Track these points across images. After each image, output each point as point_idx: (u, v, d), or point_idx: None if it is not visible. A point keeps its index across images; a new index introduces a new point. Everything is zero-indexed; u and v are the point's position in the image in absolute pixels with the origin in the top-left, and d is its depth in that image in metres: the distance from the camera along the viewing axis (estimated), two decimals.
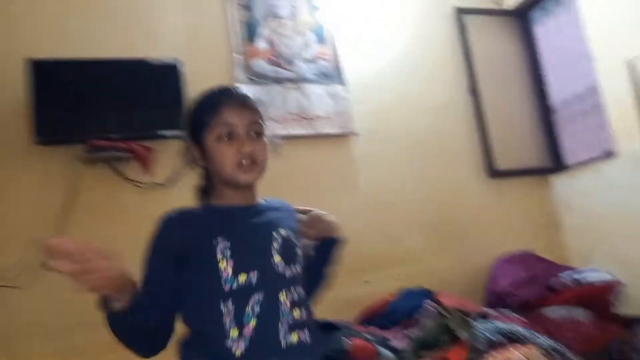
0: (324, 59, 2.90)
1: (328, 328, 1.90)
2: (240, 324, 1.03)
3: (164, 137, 2.35)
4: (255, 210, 1.17)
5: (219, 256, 1.06)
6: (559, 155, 3.13)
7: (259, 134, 1.13)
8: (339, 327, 1.80)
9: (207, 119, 1.10)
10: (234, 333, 1.03)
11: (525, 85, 3.27)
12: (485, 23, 3.27)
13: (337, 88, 2.88)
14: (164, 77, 2.43)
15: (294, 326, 1.06)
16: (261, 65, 2.77)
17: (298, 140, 2.67)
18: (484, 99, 3.13)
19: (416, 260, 2.71)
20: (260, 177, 1.14)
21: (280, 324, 1.04)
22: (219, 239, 1.07)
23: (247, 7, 2.82)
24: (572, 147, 3.06)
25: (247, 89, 1.26)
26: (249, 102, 1.14)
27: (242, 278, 1.06)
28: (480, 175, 3.02)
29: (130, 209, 2.32)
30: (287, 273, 1.10)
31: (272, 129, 1.21)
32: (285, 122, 2.72)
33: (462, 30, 3.17)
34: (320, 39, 2.93)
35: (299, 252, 1.15)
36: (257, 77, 2.74)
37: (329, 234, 1.25)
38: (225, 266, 1.06)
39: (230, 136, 1.10)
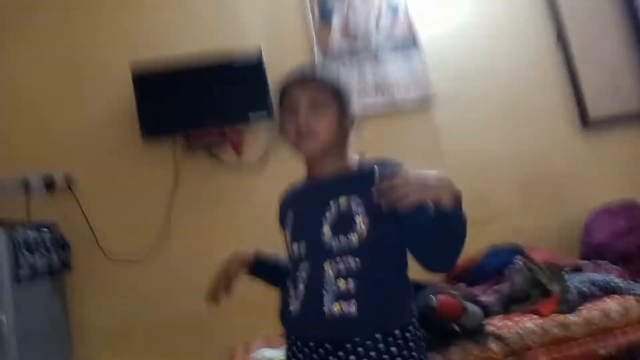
0: (399, 28, 2.92)
1: (415, 288, 1.98)
2: (294, 286, 1.18)
3: (251, 121, 2.56)
4: (333, 180, 1.21)
5: (287, 227, 1.28)
6: None
7: (322, 106, 1.19)
8: (425, 286, 1.87)
9: (279, 96, 1.25)
10: (291, 292, 1.19)
11: (620, 27, 3.02)
12: None
13: (414, 55, 2.88)
14: (248, 66, 2.59)
15: (339, 296, 1.09)
16: (336, 40, 2.86)
17: (378, 111, 2.74)
18: (574, 45, 2.94)
19: (507, 218, 2.68)
20: (323, 145, 1.19)
21: (324, 292, 1.10)
22: (290, 210, 1.29)
23: None
24: None
25: (325, 67, 1.40)
26: (310, 78, 1.23)
27: (295, 246, 1.22)
28: (574, 127, 2.88)
29: (226, 189, 2.58)
30: (334, 243, 1.13)
31: (355, 106, 1.26)
32: (364, 94, 2.80)
33: None
34: (394, 8, 2.94)
35: (361, 220, 1.12)
36: (333, 53, 2.84)
37: (422, 201, 0.97)
38: (288, 235, 1.26)
39: (292, 109, 1.20)
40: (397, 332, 1.11)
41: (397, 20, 2.92)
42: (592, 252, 2.32)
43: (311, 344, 1.14)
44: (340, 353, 1.09)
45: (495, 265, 2.19)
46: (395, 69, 2.86)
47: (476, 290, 2.09)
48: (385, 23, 2.91)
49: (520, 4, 3.00)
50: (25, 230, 2.13)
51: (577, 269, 2.12)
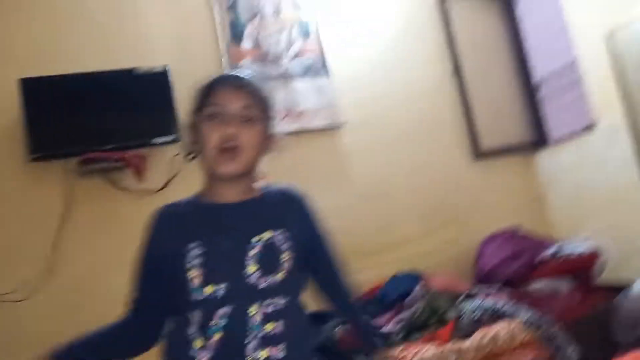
0: (309, 54, 2.96)
1: (318, 319, 2.00)
2: (205, 335, 1.00)
3: (156, 144, 2.44)
4: (243, 208, 1.09)
5: (188, 265, 1.02)
6: (543, 131, 3.19)
7: (252, 120, 1.06)
8: (329, 317, 1.89)
9: (202, 99, 1.08)
10: (198, 343, 1.00)
11: (509, 64, 3.32)
12: (468, 5, 3.30)
13: (323, 81, 2.94)
14: (152, 85, 2.47)
15: (266, 341, 0.99)
16: (247, 65, 2.84)
17: (286, 136, 2.74)
18: (468, 80, 3.18)
19: (408, 245, 2.80)
20: (245, 165, 1.06)
21: (247, 339, 0.99)
22: (192, 245, 1.03)
23: (232, 8, 2.87)
24: (555, 123, 3.12)
25: (259, 75, 1.19)
26: (244, 85, 1.07)
27: (209, 289, 1.01)
28: (467, 157, 3.10)
29: (126, 218, 2.40)
30: (262, 284, 1.02)
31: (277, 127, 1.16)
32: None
33: (445, 14, 3.21)
34: (305, 34, 2.98)
35: (287, 257, 1.05)
36: None
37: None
38: (194, 276, 1.02)
39: (219, 117, 1.04)
40: None
41: (309, 47, 2.96)
42: (484, 276, 2.50)
43: None
44: None
45: (397, 293, 2.28)
46: (304, 95, 2.89)
47: (380, 320, 2.15)
48: (296, 47, 2.94)
49: (423, 36, 3.18)
50: None
51: (470, 295, 2.27)
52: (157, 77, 2.50)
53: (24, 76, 2.32)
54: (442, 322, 2.04)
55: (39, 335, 2.14)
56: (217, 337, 0.99)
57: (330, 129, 2.88)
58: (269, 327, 1.00)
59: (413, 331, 2.04)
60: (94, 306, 2.24)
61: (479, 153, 3.08)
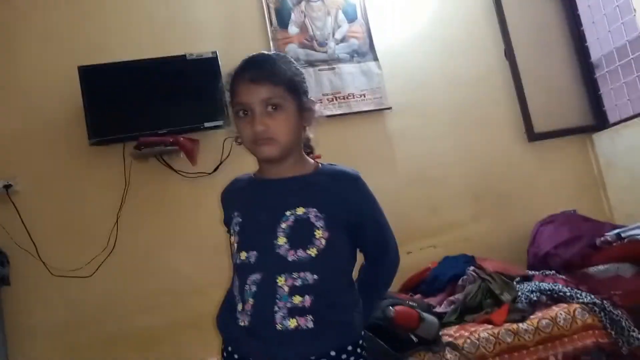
0: (355, 38, 2.95)
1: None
2: (242, 299, 1.07)
3: (207, 128, 2.49)
4: (285, 183, 1.12)
5: (232, 230, 1.13)
6: (601, 113, 3.05)
7: (277, 107, 1.07)
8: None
9: (230, 98, 1.12)
10: (239, 306, 1.07)
11: (565, 45, 3.18)
12: None
13: (370, 65, 2.92)
14: (203, 70, 2.52)
15: (294, 312, 1.02)
16: (293, 49, 2.85)
17: (333, 120, 2.75)
18: (522, 62, 3.07)
19: (458, 228, 2.76)
20: (283, 149, 1.09)
21: (276, 307, 1.02)
22: (236, 213, 1.12)
23: None
24: (614, 103, 2.97)
25: (278, 57, 1.15)
26: (262, 75, 1.07)
27: (243, 255, 1.08)
28: (521, 140, 3.00)
29: (180, 199, 2.50)
30: (291, 257, 1.04)
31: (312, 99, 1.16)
32: (321, 103, 2.80)
33: None
34: (351, 18, 2.96)
35: (321, 234, 1.06)
36: None
37: None
38: (234, 241, 1.12)
39: (246, 113, 1.08)
40: (350, 347, 1.07)
41: (355, 31, 2.95)
42: (539, 261, 2.42)
43: None
44: None
45: (449, 274, 2.24)
46: (351, 79, 2.88)
47: (432, 300, 2.13)
48: (342, 31, 2.93)
49: (473, 19, 3.10)
50: None
51: (527, 279, 2.21)
52: (207, 63, 2.55)
53: (82, 64, 2.43)
54: (496, 304, 1.99)
55: (104, 307, 2.29)
56: (250, 302, 1.05)
57: (378, 112, 2.86)
58: (297, 299, 1.03)
59: (466, 313, 2.00)
60: (150, 281, 2.35)
61: (534, 135, 2.97)
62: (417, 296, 2.22)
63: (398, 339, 1.75)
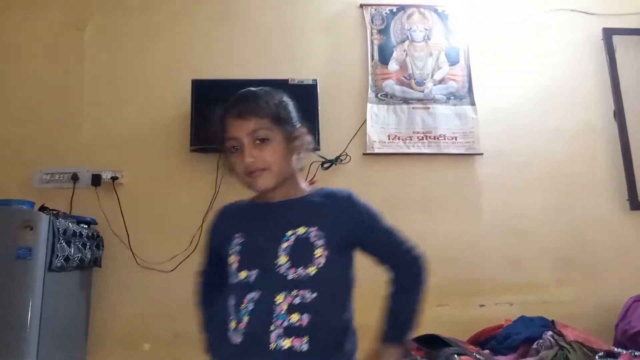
0: (454, 80, 2.94)
1: (437, 342, 1.93)
2: (237, 318, 1.08)
3: None
4: (284, 206, 1.15)
5: (231, 251, 1.14)
6: None
7: (264, 139, 1.11)
8: (449, 344, 1.82)
9: (221, 133, 1.16)
10: (233, 324, 1.08)
11: None
12: (634, 43, 3.03)
13: (466, 108, 2.90)
14: (303, 96, 2.63)
15: (290, 331, 1.03)
16: (390, 85, 2.91)
17: (422, 158, 2.75)
18: (632, 126, 2.89)
19: (538, 289, 2.60)
20: (277, 178, 1.12)
21: (272, 326, 1.04)
22: (236, 235, 1.14)
23: (384, 32, 2.99)
24: None
25: (263, 92, 1.17)
26: (247, 111, 1.12)
27: (243, 274, 1.10)
28: (623, 207, 2.79)
29: None
30: (291, 275, 1.07)
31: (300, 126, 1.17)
32: (410, 140, 2.82)
33: (609, 51, 2.98)
34: (453, 61, 2.98)
35: (321, 253, 1.08)
36: (385, 97, 2.88)
37: None
38: (233, 261, 1.13)
39: (237, 148, 1.12)
40: None
41: (455, 73, 2.95)
42: (629, 340, 2.21)
43: None
44: None
45: (524, 336, 2.11)
46: (444, 120, 2.87)
47: (501, 359, 2.02)
48: (442, 72, 2.95)
49: (583, 72, 2.98)
50: (67, 221, 2.19)
51: (612, 355, 2.02)
52: (308, 89, 2.69)
53: (196, 77, 2.66)
54: None
55: (178, 303, 2.41)
56: (245, 320, 1.06)
57: (468, 157, 2.81)
58: (294, 318, 1.03)
59: None
60: None
61: (638, 204, 2.76)
62: (486, 351, 2.11)
63: None
